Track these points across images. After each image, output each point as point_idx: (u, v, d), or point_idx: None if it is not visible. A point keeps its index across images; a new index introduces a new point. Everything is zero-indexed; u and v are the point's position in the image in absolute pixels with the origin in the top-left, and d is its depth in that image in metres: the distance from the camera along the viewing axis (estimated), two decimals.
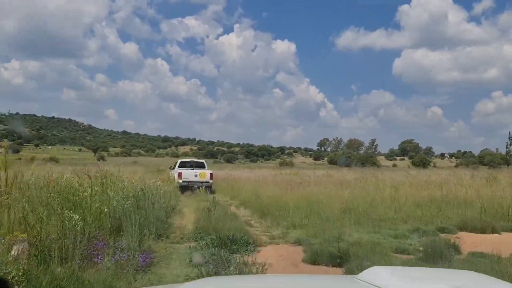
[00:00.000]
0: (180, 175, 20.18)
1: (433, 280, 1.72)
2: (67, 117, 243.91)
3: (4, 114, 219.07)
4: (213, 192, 18.91)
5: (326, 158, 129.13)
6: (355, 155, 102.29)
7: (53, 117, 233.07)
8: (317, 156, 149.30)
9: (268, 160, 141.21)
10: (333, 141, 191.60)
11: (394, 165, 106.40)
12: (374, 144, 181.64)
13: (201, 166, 21.79)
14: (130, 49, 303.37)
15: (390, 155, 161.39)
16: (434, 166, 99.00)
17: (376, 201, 11.63)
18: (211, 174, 20.80)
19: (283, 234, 8.80)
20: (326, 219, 9.78)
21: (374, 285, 1.50)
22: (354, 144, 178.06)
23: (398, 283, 1.52)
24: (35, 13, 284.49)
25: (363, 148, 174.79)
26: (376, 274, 1.65)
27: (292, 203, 11.70)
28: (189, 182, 19.62)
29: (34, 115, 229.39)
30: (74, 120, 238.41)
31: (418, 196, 12.27)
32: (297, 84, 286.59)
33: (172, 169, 22.31)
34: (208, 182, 20.17)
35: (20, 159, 69.69)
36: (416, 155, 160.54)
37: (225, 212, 11.10)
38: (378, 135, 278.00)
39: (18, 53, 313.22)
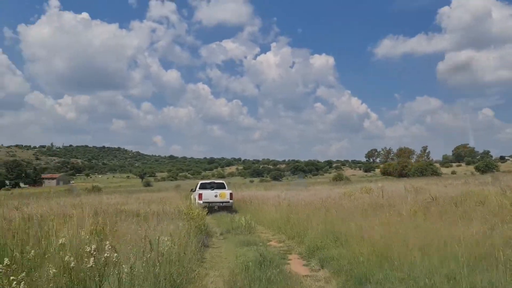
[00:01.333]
0: (200, 196, 19.89)
1: None
2: (116, 146, 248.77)
3: (59, 147, 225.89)
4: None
5: (379, 169, 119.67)
6: (412, 164, 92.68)
7: (104, 147, 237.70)
8: (367, 168, 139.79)
9: (316, 175, 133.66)
10: (382, 152, 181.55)
11: (453, 172, 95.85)
12: (426, 151, 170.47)
13: (221, 186, 21.25)
14: (172, 76, 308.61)
15: (445, 162, 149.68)
16: (498, 171, 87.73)
17: None
18: (231, 194, 20.40)
19: None
20: None
21: None
22: (404, 153, 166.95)
23: None
24: (82, 51, 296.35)
25: (414, 157, 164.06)
26: None
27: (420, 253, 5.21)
28: (209, 203, 19.28)
29: (86, 146, 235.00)
30: (123, 148, 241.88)
31: None
32: (338, 97, 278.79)
33: (193, 191, 21.88)
34: (229, 202, 19.99)
35: (69, 189, 67.65)
36: (473, 160, 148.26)
37: None
38: (426, 142, 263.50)
39: (69, 89, 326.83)
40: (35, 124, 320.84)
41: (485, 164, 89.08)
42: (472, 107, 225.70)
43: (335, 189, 23.48)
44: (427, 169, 79.29)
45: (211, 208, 18.36)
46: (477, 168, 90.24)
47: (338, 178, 55.31)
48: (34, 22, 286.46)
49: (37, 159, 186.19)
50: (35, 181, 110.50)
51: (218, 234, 12.32)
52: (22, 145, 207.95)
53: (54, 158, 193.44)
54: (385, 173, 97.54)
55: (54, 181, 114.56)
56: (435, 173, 77.56)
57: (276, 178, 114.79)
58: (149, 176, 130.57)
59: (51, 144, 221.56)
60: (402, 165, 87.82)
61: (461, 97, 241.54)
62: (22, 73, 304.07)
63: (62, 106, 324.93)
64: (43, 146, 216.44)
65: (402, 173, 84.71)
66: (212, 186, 21.11)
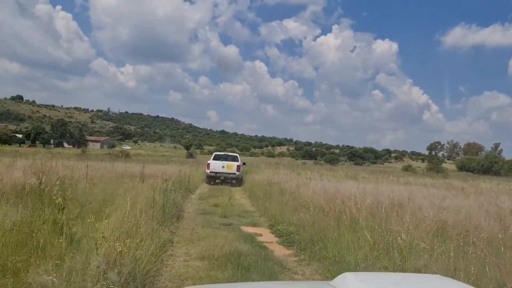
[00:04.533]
0: (208, 166, 19.64)
1: (403, 286, 1.61)
2: (170, 117, 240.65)
3: (114, 113, 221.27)
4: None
5: (445, 163, 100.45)
6: (503, 160, 73.53)
7: (158, 116, 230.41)
8: (431, 160, 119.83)
9: (375, 163, 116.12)
10: (447, 145, 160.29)
11: None
12: (498, 149, 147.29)
13: (234, 159, 20.30)
14: (230, 52, 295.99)
15: None
16: None
17: None
18: (238, 166, 19.53)
19: None
20: None
21: None
22: (472, 149, 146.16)
23: None
24: (145, 21, 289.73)
25: (483, 153, 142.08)
26: (348, 280, 1.56)
27: None
28: (216, 173, 19.31)
29: (141, 114, 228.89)
30: (176, 119, 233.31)
31: None
32: (398, 85, 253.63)
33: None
34: (235, 174, 19.37)
35: (109, 153, 57.80)
36: None
37: None
38: (489, 140, 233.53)
39: (131, 58, 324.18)
40: (97, 90, 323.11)
41: None
42: None
43: None
44: None
45: (217, 178, 18.93)
46: None
47: (437, 170, 39.04)
48: None
49: (93, 122, 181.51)
50: (79, 142, 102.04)
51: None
52: (81, 108, 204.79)
53: (108, 122, 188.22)
54: (463, 168, 79.02)
55: (99, 144, 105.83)
56: None
57: (330, 162, 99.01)
58: (196, 148, 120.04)
59: (108, 109, 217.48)
60: (490, 161, 69.09)
61: None
62: (89, 39, 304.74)
63: (124, 75, 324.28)
64: (100, 111, 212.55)
65: (490, 171, 66.36)
66: (225, 158, 20.27)
